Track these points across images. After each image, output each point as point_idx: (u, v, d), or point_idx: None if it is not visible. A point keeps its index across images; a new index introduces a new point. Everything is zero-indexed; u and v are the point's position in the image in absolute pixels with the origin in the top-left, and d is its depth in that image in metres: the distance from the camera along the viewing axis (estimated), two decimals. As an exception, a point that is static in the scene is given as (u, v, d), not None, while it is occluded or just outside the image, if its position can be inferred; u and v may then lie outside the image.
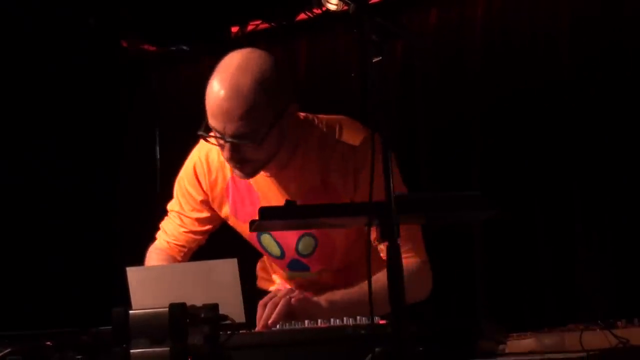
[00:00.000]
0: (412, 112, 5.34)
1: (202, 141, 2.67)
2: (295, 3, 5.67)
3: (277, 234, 2.67)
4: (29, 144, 5.46)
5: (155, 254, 2.79)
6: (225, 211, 2.71)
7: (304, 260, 2.70)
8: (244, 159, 2.44)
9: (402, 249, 2.40)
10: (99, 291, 5.16)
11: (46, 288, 5.32)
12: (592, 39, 4.90)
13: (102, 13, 5.51)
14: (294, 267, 2.73)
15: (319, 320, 2.16)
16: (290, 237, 2.66)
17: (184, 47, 5.92)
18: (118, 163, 6.10)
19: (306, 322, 2.17)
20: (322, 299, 2.43)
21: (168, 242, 2.79)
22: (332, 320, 2.13)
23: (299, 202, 2.45)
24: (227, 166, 2.62)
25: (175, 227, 2.78)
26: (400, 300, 1.83)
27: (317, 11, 5.67)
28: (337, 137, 2.56)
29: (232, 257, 2.24)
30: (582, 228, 4.83)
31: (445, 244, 5.09)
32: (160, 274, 2.39)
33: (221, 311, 1.85)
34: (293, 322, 2.23)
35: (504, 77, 5.12)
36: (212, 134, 2.44)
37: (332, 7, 5.32)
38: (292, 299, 2.35)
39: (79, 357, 1.89)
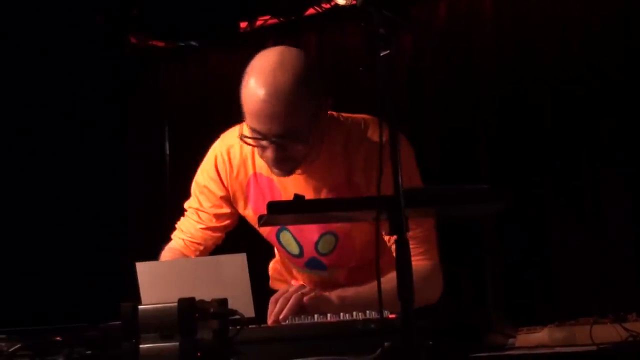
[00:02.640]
0: (421, 105, 5.33)
1: (222, 136, 2.70)
2: (304, -2, 5.68)
3: (297, 232, 2.66)
4: (38, 141, 5.47)
5: (169, 253, 2.76)
6: (246, 208, 2.70)
7: (322, 259, 2.69)
8: (287, 157, 2.43)
9: (417, 251, 2.44)
10: (108, 286, 5.18)
11: (55, 283, 5.33)
12: (602, 31, 4.89)
13: (111, 9, 5.51)
14: (311, 265, 2.72)
15: (329, 315, 2.16)
16: (310, 236, 2.64)
17: (193, 43, 5.92)
18: (127, 160, 6.11)
19: (316, 316, 2.18)
20: (333, 295, 2.43)
21: (184, 240, 2.76)
22: (341, 314, 2.13)
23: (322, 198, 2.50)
24: (249, 162, 2.64)
25: (192, 224, 2.75)
26: (409, 294, 1.83)
27: (325, 6, 5.66)
28: (362, 134, 2.56)
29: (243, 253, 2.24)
30: (593, 220, 4.82)
31: (455, 237, 5.09)
32: (169, 269, 2.39)
33: (230, 306, 1.84)
34: (303, 316, 2.23)
35: (514, 70, 5.11)
36: (253, 135, 2.42)
37: (341, 2, 5.33)
38: (305, 297, 2.35)
39: (88, 352, 1.89)
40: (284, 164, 2.45)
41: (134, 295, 2.40)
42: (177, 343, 1.77)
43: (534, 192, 4.94)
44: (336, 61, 5.71)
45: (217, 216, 2.72)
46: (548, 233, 4.96)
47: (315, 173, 2.56)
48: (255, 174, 2.65)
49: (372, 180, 2.44)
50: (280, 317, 2.31)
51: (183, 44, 5.97)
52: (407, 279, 1.83)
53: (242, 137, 2.44)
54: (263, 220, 2.06)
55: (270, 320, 2.33)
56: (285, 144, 2.39)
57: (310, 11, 5.76)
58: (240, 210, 2.71)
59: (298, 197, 2.08)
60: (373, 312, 2.07)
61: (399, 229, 1.85)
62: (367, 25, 1.92)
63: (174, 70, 6.22)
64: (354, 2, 5.47)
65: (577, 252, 4.83)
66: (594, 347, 2.08)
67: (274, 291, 2.80)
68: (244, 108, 2.41)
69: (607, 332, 2.13)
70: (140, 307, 1.81)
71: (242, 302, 2.01)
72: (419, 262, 2.42)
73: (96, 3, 5.47)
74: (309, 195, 2.54)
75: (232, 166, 2.66)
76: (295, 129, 2.38)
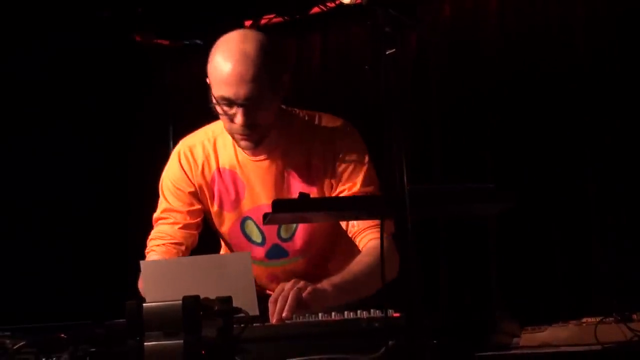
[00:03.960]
0: (426, 104, 5.33)
1: (183, 140, 2.86)
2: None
3: (260, 220, 2.74)
4: (43, 139, 5.48)
5: None
6: (212, 204, 2.80)
7: (283, 245, 2.79)
8: (255, 123, 2.58)
9: (365, 227, 2.64)
10: (113, 284, 5.18)
11: (60, 281, 5.34)
12: (607, 27, 4.88)
13: (115, 7, 5.51)
14: (272, 254, 2.80)
15: (333, 313, 2.16)
16: None
17: (198, 42, 5.92)
18: (131, 159, 6.10)
19: (320, 314, 2.18)
20: (325, 284, 2.49)
21: (165, 244, 2.78)
22: (346, 313, 2.13)
23: (284, 183, 2.70)
24: (212, 158, 2.77)
25: (169, 227, 2.81)
26: (414, 294, 1.83)
27: (330, 4, 5.66)
28: (318, 123, 2.77)
29: None
30: (598, 220, 4.81)
31: (459, 236, 5.09)
32: (173, 267, 2.39)
33: (234, 304, 1.84)
34: (307, 314, 2.24)
35: (519, 69, 5.11)
36: (222, 104, 2.59)
37: (346, 0, 5.32)
38: (303, 293, 2.37)
39: (93, 349, 1.89)
40: (253, 131, 2.59)
41: (139, 294, 2.40)
42: (182, 341, 1.77)
43: (538, 192, 4.93)
44: (341, 59, 5.71)
45: (190, 213, 2.81)
46: (552, 232, 4.95)
47: (276, 159, 2.72)
48: (218, 169, 2.78)
49: (329, 163, 2.70)
50: (284, 315, 2.32)
51: (188, 43, 5.97)
52: (410, 278, 1.83)
53: (213, 104, 2.60)
54: (268, 219, 2.07)
55: (273, 320, 2.33)
56: (253, 106, 2.54)
57: (315, 10, 5.76)
58: (207, 205, 2.81)
59: (303, 196, 2.09)
60: (377, 311, 2.07)
61: (403, 229, 1.85)
62: (372, 23, 1.92)
63: (178, 69, 6.22)
64: (359, 0, 5.48)
65: (581, 251, 4.83)
66: (598, 347, 2.07)
67: None
68: (213, 81, 2.59)
69: (612, 332, 2.12)
70: (144, 305, 1.82)
71: (245, 300, 2.01)
72: (373, 240, 2.62)
73: (101, 1, 5.47)
74: (270, 179, 2.72)
75: (196, 163, 2.79)
76: (261, 92, 2.54)
